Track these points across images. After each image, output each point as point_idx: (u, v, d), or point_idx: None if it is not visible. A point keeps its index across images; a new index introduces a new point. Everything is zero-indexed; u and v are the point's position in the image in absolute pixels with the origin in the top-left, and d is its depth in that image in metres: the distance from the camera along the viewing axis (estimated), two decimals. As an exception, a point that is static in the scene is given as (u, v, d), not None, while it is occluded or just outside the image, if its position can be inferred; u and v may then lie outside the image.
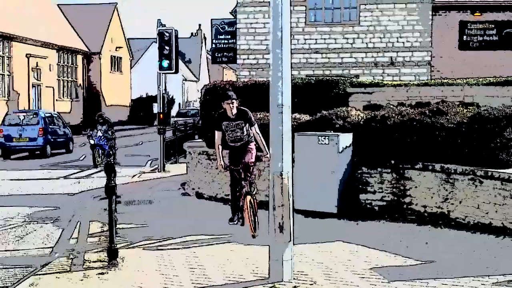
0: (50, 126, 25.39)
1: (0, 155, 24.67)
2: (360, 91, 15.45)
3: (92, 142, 20.06)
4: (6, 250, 8.76)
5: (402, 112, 10.21)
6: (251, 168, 9.09)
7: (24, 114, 26.08)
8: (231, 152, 9.23)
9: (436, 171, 9.14)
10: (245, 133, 8.97)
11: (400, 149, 9.68)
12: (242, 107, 8.93)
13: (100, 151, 19.82)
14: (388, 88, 15.79)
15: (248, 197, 8.65)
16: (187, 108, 45.34)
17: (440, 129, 9.34)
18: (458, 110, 9.94)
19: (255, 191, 9.10)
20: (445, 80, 16.87)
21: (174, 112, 49.93)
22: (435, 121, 9.48)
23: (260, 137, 8.83)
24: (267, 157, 8.35)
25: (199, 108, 24.84)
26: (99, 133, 19.85)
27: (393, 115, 10.11)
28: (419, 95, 14.55)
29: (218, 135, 9.00)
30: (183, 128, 26.23)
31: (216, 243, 8.50)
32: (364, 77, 21.91)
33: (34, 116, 25.40)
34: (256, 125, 8.89)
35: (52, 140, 25.19)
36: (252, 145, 9.10)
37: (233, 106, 8.75)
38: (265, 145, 8.61)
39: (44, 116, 25.54)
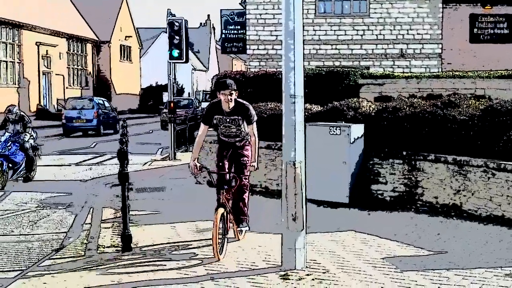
0: (102, 110, 30.27)
1: (62, 134, 29.58)
2: (371, 82, 15.49)
3: None
4: (20, 235, 8.85)
5: (414, 104, 10.23)
6: (242, 177, 7.61)
7: (81, 100, 32.14)
8: (222, 146, 7.84)
9: (448, 163, 9.16)
10: (242, 130, 7.66)
11: (411, 141, 9.71)
12: (242, 101, 7.60)
13: (5, 164, 12.97)
14: (399, 80, 15.81)
15: (221, 210, 7.02)
16: (179, 97, 36.50)
17: (452, 121, 9.35)
18: (470, 102, 9.96)
19: (235, 206, 7.71)
20: (457, 73, 16.86)
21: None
22: (447, 113, 9.50)
23: (255, 139, 7.57)
24: (253, 165, 7.56)
25: (193, 98, 24.34)
26: (5, 137, 13.46)
27: (405, 106, 10.13)
28: (430, 87, 14.58)
29: (202, 130, 7.62)
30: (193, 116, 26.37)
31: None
32: (374, 68, 21.93)
33: (89, 101, 30.80)
34: (255, 124, 7.58)
35: (103, 121, 29.92)
36: (249, 148, 7.74)
37: (230, 98, 7.37)
38: (257, 151, 7.67)
39: (97, 102, 30.74)
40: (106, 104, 32.23)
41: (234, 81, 7.62)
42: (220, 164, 7.75)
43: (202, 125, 7.68)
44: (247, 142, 7.71)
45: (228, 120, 7.57)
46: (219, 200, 7.21)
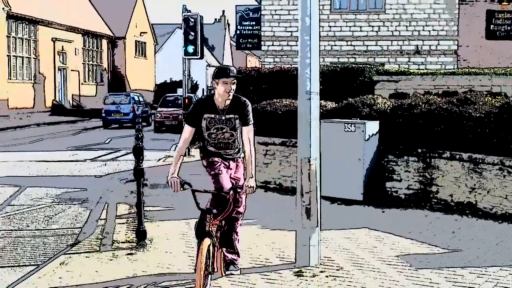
0: (137, 105, 32.91)
1: (101, 126, 32.26)
2: (386, 79, 15.43)
3: None
4: (36, 230, 8.92)
5: (430, 101, 10.16)
6: (238, 205, 5.95)
7: (119, 95, 34.68)
8: (209, 164, 6.02)
9: (463, 161, 9.11)
10: (237, 137, 5.96)
11: (427, 138, 9.66)
12: (239, 96, 5.94)
13: None
14: (414, 76, 15.74)
15: (207, 241, 5.39)
16: (176, 95, 33.06)
17: (468, 119, 9.28)
18: (486, 100, 9.87)
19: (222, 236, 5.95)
20: (472, 70, 16.77)
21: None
22: (463, 110, 9.43)
23: (251, 148, 5.83)
24: (251, 186, 5.68)
25: (207, 94, 23.69)
26: None
27: (420, 103, 10.08)
28: (446, 84, 14.50)
29: (186, 133, 5.87)
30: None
31: (242, 226, 8.57)
32: (390, 65, 21.81)
33: (126, 97, 33.53)
34: (252, 128, 5.91)
35: (138, 115, 30.17)
36: (241, 161, 6.15)
37: (230, 90, 5.73)
38: (254, 161, 5.80)
39: (133, 97, 33.48)
40: (141, 99, 35.15)
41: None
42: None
43: (186, 127, 5.89)
44: (240, 158, 6.14)
45: (222, 120, 5.87)
46: (202, 226, 5.56)
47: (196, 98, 40.24)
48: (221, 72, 5.81)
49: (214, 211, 5.63)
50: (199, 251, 5.35)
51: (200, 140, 6.08)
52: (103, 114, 32.38)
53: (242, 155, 6.07)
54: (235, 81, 5.78)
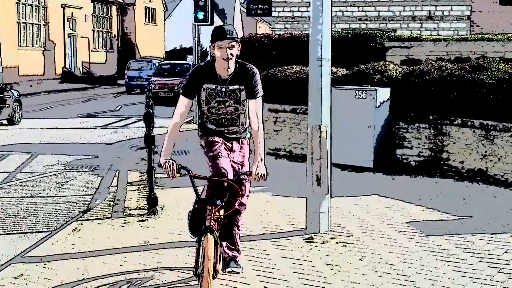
0: None
1: (125, 91, 33.45)
2: (398, 45, 15.27)
3: None
4: (48, 196, 8.99)
5: (442, 67, 10.07)
6: (241, 188, 4.84)
7: (141, 62, 36.42)
8: (208, 145, 5.02)
9: (475, 127, 9.05)
10: (242, 112, 5.01)
11: (438, 105, 9.59)
12: (245, 63, 4.98)
13: None
14: (427, 42, 15.56)
15: (211, 239, 4.52)
16: (172, 62, 31.66)
17: (480, 85, 9.20)
18: (499, 66, 9.77)
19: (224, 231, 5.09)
20: (486, 35, 16.55)
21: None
22: (475, 77, 9.34)
23: (259, 122, 4.90)
24: (261, 174, 4.73)
25: (192, 63, 22.27)
26: None
27: (432, 70, 9.98)
28: (458, 50, 14.32)
29: (182, 105, 4.88)
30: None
31: (252, 193, 8.60)
32: (402, 31, 21.57)
33: (148, 63, 35.20)
34: (260, 101, 4.96)
35: None
36: (246, 143, 5.20)
37: (227, 56, 4.73)
38: (263, 141, 4.88)
39: (154, 63, 34.59)
40: None
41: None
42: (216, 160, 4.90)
43: (182, 99, 4.91)
44: (246, 139, 5.19)
45: (224, 92, 4.90)
46: (201, 220, 4.64)
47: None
48: (215, 34, 4.79)
49: (218, 202, 4.63)
50: (204, 252, 4.48)
51: (199, 116, 5.18)
52: (126, 80, 33.66)
53: (249, 135, 5.15)
54: (233, 44, 4.74)
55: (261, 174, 4.74)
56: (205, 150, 5.06)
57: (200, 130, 5.19)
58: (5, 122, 17.82)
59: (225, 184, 4.70)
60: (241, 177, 4.89)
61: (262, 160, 4.80)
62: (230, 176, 4.79)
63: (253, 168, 4.77)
